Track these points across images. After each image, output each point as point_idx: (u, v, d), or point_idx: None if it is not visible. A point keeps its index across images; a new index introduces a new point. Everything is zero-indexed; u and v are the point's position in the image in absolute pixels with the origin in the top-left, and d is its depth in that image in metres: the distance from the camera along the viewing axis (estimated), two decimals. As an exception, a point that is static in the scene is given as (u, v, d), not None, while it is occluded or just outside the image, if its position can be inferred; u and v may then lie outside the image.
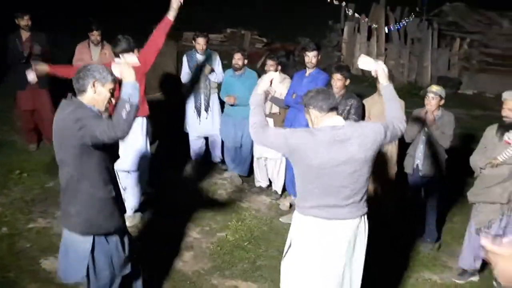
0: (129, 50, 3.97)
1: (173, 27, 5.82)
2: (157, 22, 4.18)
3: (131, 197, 4.33)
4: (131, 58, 3.18)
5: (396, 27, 11.27)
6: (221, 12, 15.74)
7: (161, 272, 3.76)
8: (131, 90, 2.48)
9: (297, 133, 2.67)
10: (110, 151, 2.68)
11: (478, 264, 3.90)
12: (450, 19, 11.89)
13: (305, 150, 2.58)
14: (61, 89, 6.08)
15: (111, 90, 2.63)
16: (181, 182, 5.52)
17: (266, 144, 2.80)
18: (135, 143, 4.17)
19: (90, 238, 2.62)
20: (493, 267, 1.34)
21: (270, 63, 5.06)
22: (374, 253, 4.22)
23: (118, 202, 2.77)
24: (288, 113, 4.82)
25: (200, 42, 5.44)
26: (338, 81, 4.36)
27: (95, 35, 5.85)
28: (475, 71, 11.06)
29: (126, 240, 2.83)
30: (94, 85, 2.57)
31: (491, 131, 3.76)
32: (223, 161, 5.82)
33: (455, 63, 11.29)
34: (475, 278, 3.97)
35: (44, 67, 4.20)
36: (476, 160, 3.78)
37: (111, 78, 2.61)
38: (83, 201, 2.59)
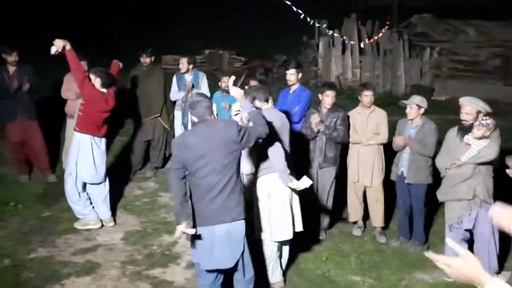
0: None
1: (154, 52, 6.14)
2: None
3: (105, 205, 4.93)
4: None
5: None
6: (196, 34, 16.00)
7: (166, 291, 3.88)
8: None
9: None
10: None
11: None
12: (419, 30, 12.46)
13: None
14: (50, 120, 6.20)
15: None
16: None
17: None
18: (103, 160, 4.86)
19: (244, 222, 3.17)
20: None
21: (253, 83, 5.29)
22: (369, 255, 4.46)
23: None
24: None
25: (183, 62, 5.86)
26: (329, 97, 4.61)
27: (82, 65, 5.98)
28: (446, 78, 11.59)
29: None
30: None
31: (452, 134, 4.08)
32: None
33: (426, 71, 11.79)
34: (464, 275, 4.20)
35: (61, 44, 4.41)
36: (441, 161, 4.08)
37: None
38: (238, 193, 3.15)
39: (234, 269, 3.25)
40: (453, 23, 12.28)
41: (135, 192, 5.91)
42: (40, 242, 4.57)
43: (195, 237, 3.13)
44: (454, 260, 1.53)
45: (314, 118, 4.58)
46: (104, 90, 4.77)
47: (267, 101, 3.85)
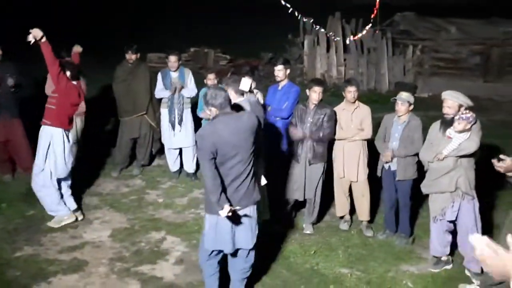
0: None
1: (139, 50, 6.12)
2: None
3: (71, 197, 4.98)
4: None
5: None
6: (180, 32, 15.94)
7: (156, 285, 3.86)
8: None
9: None
10: None
11: (447, 250, 4.23)
12: (402, 28, 12.63)
13: None
14: (33, 118, 6.12)
15: None
16: (163, 196, 5.68)
17: None
18: (71, 153, 4.91)
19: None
20: (483, 263, 1.52)
21: (247, 79, 5.29)
22: (357, 248, 4.52)
23: None
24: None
25: (172, 60, 5.83)
26: (316, 93, 4.65)
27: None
28: (429, 75, 11.78)
29: None
30: None
31: (434, 128, 4.16)
32: (196, 173, 6.03)
33: (409, 69, 11.96)
34: (449, 267, 4.29)
35: (39, 33, 4.34)
36: (424, 155, 4.17)
37: None
38: (255, 177, 3.43)
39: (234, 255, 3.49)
40: (435, 21, 12.49)
41: (122, 190, 5.87)
42: (25, 241, 4.52)
43: (217, 223, 3.30)
44: (494, 255, 1.49)
45: (294, 134, 4.68)
46: (74, 82, 4.82)
47: (242, 94, 3.86)
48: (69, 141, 4.81)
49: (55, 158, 4.69)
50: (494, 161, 3.32)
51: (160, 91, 5.93)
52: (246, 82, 3.80)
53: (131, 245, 4.53)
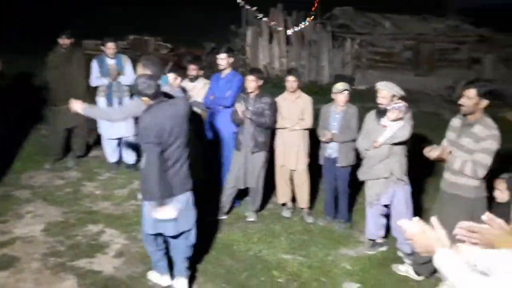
0: None
1: (74, 35, 5.79)
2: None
3: None
4: None
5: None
6: (118, 19, 15.34)
7: (94, 279, 3.72)
8: None
9: None
10: None
11: (382, 233, 4.45)
12: (341, 22, 13.03)
13: None
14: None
15: None
16: (100, 188, 5.45)
17: None
18: None
19: None
20: (411, 242, 1.66)
21: (192, 67, 5.21)
22: (298, 235, 4.63)
23: None
24: (208, 113, 5.02)
25: (110, 47, 5.60)
26: (251, 82, 4.67)
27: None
28: (366, 68, 12.27)
29: None
30: None
31: (370, 117, 4.36)
32: (137, 163, 5.86)
33: (348, 62, 12.39)
34: (384, 248, 4.52)
35: None
36: (361, 143, 4.36)
37: None
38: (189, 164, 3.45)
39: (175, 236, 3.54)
40: (371, 16, 13.02)
41: (56, 182, 5.57)
42: None
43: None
44: (420, 234, 1.64)
45: (239, 107, 4.63)
46: None
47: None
48: None
49: None
50: (426, 150, 3.54)
51: (97, 79, 5.67)
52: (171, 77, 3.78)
53: (66, 239, 4.32)
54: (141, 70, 3.46)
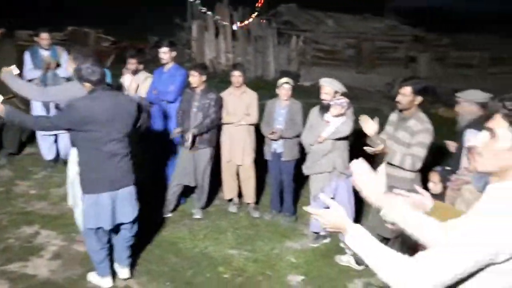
0: None
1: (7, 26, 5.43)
2: None
3: None
4: None
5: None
6: (57, 9, 14.57)
7: (28, 284, 3.50)
8: None
9: None
10: None
11: None
12: (286, 18, 13.20)
13: None
14: None
15: None
16: (36, 187, 5.16)
17: None
18: None
19: None
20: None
21: (131, 61, 5.04)
22: (245, 230, 4.63)
23: None
24: (151, 109, 4.86)
25: (44, 37, 5.37)
26: (194, 77, 4.59)
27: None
28: (310, 65, 12.53)
29: None
30: None
31: (314, 112, 4.46)
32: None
33: (293, 58, 12.58)
34: (327, 240, 4.64)
35: None
36: (306, 138, 4.45)
37: None
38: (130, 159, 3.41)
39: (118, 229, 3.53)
40: (315, 14, 13.30)
41: (-15, 182, 5.19)
42: None
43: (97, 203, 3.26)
44: (325, 211, 1.77)
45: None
46: None
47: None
48: None
49: None
50: (367, 148, 3.67)
51: (30, 71, 5.32)
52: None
53: (-2, 242, 4.04)
54: (71, 63, 3.32)
